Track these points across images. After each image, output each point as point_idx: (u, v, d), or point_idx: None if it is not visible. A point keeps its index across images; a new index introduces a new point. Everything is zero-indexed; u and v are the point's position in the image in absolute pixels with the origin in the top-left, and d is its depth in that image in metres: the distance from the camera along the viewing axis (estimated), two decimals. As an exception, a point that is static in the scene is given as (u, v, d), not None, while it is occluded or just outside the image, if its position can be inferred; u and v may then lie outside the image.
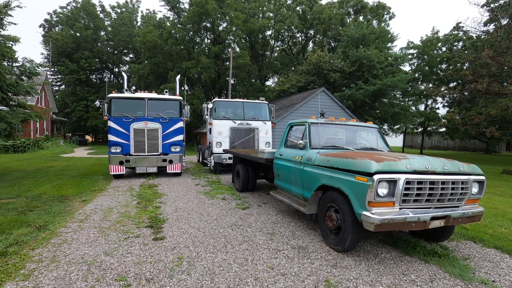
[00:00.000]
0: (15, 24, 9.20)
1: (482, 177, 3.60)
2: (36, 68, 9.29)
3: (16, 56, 9.05)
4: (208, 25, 29.89)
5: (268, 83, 38.94)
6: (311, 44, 37.05)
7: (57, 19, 40.44)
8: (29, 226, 4.31)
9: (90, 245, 3.70)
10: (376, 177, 3.00)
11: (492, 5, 15.66)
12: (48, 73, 33.76)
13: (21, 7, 9.02)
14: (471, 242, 4.16)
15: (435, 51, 27.43)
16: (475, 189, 3.57)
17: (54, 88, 41.26)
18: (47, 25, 41.79)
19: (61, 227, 4.36)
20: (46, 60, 38.82)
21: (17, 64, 9.10)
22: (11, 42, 8.91)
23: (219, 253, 3.53)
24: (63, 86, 42.84)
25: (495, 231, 4.58)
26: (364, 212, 3.11)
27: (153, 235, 4.09)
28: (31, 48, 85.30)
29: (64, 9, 39.85)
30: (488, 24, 16.09)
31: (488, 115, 13.11)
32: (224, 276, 2.96)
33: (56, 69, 39.74)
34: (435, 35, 27.75)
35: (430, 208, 3.32)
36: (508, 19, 14.16)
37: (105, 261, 3.24)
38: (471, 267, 3.32)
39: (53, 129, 32.88)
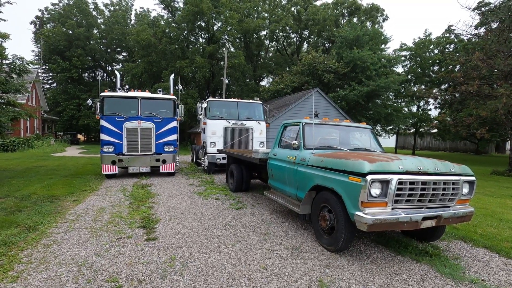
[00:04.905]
0: (4, 20, 9.05)
1: (473, 178, 3.66)
2: (27, 65, 9.12)
3: (5, 53, 8.89)
4: (203, 24, 29.76)
5: (263, 83, 39.01)
6: (305, 45, 37.26)
7: (49, 16, 39.67)
8: (18, 226, 4.22)
9: (81, 246, 3.64)
10: (369, 177, 3.03)
11: (483, 9, 15.97)
12: (39, 71, 33.18)
13: (11, 3, 8.88)
14: (462, 241, 4.22)
15: (427, 53, 27.84)
16: (465, 189, 3.63)
17: (45, 86, 40.58)
18: (38, 22, 40.95)
19: (51, 227, 4.28)
20: (37, 57, 38.14)
21: (6, 62, 8.93)
22: (0, 39, 8.74)
23: (212, 253, 3.52)
24: (54, 84, 42.08)
25: (484, 231, 4.66)
26: (357, 212, 3.13)
27: (145, 235, 4.05)
28: (21, 46, 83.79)
29: (56, 6, 39.10)
30: (479, 28, 16.38)
31: (479, 116, 13.36)
32: (217, 277, 2.95)
33: (47, 67, 38.97)
34: (427, 38, 28.15)
35: (421, 208, 3.36)
36: (498, 23, 14.44)
37: (96, 262, 3.19)
38: (461, 266, 3.37)
39: (44, 128, 32.33)
